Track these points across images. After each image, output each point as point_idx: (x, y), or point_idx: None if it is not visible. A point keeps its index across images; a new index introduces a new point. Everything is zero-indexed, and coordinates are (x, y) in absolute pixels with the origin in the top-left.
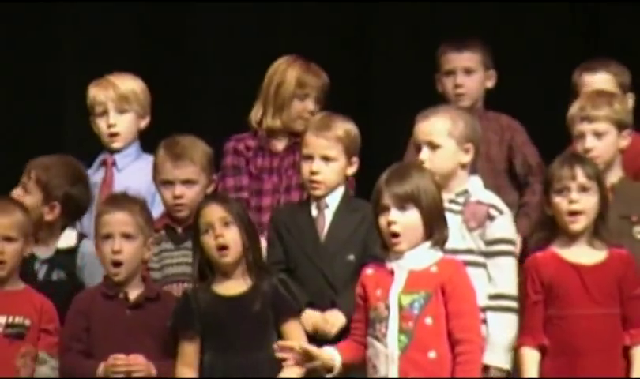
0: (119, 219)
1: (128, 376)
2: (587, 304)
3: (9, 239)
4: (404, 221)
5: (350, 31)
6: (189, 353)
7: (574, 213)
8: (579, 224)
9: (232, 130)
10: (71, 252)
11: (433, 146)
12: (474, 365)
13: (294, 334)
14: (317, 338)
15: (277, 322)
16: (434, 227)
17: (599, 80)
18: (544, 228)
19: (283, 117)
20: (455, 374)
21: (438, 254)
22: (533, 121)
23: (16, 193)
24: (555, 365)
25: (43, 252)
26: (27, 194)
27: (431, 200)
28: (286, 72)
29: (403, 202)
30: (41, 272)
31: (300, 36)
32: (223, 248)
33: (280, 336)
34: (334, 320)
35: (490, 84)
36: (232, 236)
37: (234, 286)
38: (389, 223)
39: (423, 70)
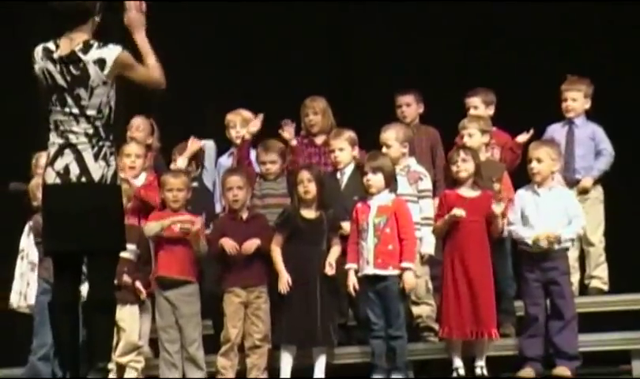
0: (235, 179)
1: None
2: (469, 216)
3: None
4: (376, 180)
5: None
6: (279, 240)
7: (458, 172)
8: (463, 173)
9: None
10: None
11: (388, 147)
12: (410, 247)
13: (335, 243)
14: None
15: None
16: (391, 183)
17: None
18: (447, 180)
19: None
20: (401, 251)
21: (392, 196)
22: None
23: None
24: (452, 254)
25: None
26: None
27: (389, 169)
28: None
29: (375, 170)
30: None
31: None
32: (306, 194)
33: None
34: (346, 226)
35: (421, 110)
36: (312, 188)
37: (311, 212)
38: (368, 181)
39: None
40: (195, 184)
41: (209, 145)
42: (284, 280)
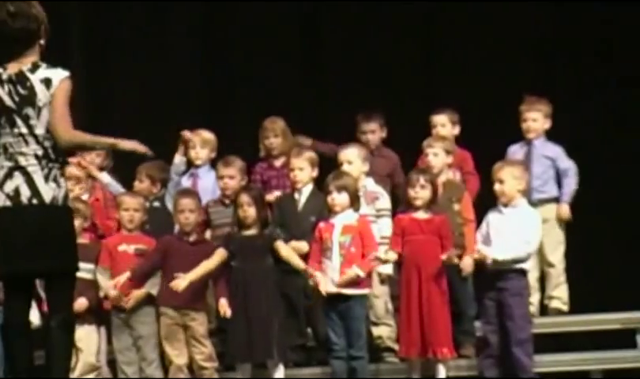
0: (187, 202)
1: None
2: (422, 235)
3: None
4: (340, 199)
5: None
6: (218, 256)
7: (415, 199)
8: (419, 201)
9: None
10: None
11: (350, 163)
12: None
13: (283, 248)
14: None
15: (270, 246)
16: (354, 202)
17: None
18: (406, 203)
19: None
20: (363, 261)
21: (356, 215)
22: None
23: None
24: (407, 274)
25: None
26: None
27: (353, 188)
28: None
29: (339, 189)
30: None
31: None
32: (246, 219)
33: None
34: (302, 246)
35: (384, 135)
36: (251, 212)
37: (252, 231)
38: (332, 200)
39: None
40: (157, 204)
41: (177, 162)
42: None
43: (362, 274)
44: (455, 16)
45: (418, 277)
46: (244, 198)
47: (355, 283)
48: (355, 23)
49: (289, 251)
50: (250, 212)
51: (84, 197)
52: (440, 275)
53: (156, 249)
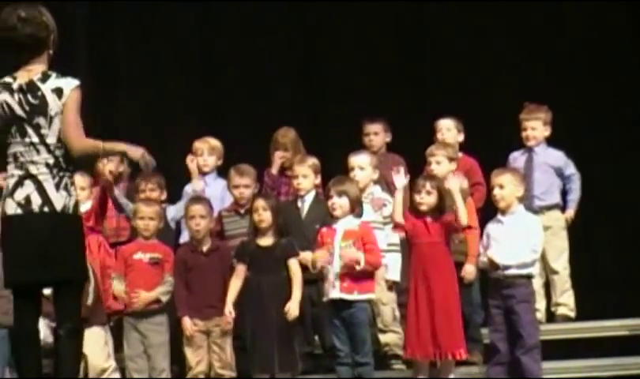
0: (198, 208)
1: None
2: (429, 238)
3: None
4: (340, 203)
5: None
6: (241, 271)
7: (420, 204)
8: (424, 207)
9: None
10: None
11: (362, 169)
12: (376, 257)
13: (294, 266)
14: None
15: (286, 258)
16: (356, 208)
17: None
18: (410, 208)
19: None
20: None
21: (357, 221)
22: None
23: None
24: (415, 276)
25: None
26: None
27: (354, 193)
28: None
29: (340, 194)
30: None
31: None
32: (261, 222)
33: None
34: (307, 255)
35: (388, 139)
36: (267, 216)
37: (267, 240)
38: (332, 204)
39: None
40: None
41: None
42: (228, 317)
43: (361, 260)
44: (455, 19)
45: (424, 280)
46: (260, 203)
47: (351, 267)
48: (355, 27)
49: (298, 271)
50: (265, 216)
51: (87, 204)
52: (450, 279)
53: (178, 268)
